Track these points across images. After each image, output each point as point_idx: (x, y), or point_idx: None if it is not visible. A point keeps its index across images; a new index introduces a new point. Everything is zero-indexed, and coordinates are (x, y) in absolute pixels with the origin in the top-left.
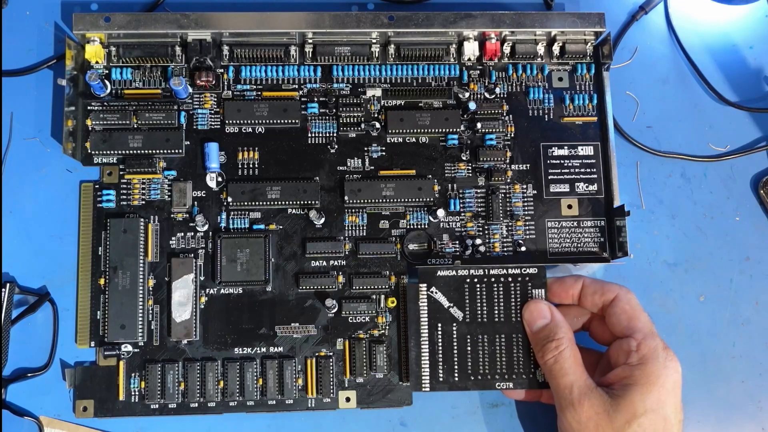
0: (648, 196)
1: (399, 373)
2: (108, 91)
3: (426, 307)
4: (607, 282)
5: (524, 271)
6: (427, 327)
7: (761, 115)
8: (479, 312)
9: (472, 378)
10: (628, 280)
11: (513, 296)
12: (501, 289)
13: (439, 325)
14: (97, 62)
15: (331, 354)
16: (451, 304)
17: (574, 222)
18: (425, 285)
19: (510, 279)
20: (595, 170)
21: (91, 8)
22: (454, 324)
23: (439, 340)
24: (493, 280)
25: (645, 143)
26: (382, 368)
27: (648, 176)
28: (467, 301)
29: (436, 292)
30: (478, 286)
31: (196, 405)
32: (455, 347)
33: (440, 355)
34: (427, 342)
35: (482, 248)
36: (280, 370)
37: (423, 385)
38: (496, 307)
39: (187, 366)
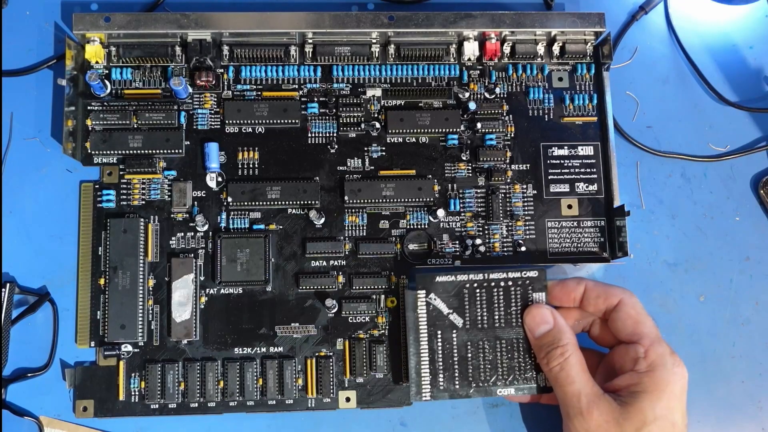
0: (648, 196)
1: (399, 373)
2: (108, 91)
3: (425, 315)
4: (610, 285)
5: (524, 274)
6: (426, 335)
7: (761, 115)
8: (479, 318)
9: (474, 385)
10: (628, 280)
11: (513, 301)
12: (501, 293)
13: (439, 332)
14: (97, 62)
15: (331, 354)
16: (451, 311)
17: (574, 222)
18: (424, 292)
19: (510, 283)
20: (595, 170)
21: (91, 8)
22: (454, 331)
23: (439, 348)
24: (492, 284)
25: (645, 143)
26: (382, 368)
27: (648, 176)
28: (467, 306)
29: (435, 299)
30: (477, 291)
31: (196, 405)
32: (455, 355)
33: (440, 363)
34: (427, 350)
35: (482, 248)
36: (280, 370)
37: (423, 395)
38: (497, 313)
39: (187, 366)
